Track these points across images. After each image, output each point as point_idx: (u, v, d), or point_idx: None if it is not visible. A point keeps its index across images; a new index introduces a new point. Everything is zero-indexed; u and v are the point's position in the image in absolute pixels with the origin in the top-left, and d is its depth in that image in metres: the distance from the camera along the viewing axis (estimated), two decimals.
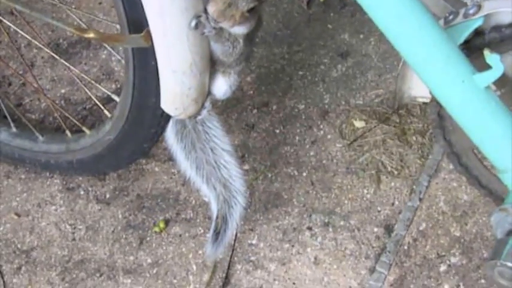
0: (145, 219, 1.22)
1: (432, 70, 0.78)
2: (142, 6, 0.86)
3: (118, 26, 1.29)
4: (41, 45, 1.24)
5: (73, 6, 1.44)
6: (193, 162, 1.06)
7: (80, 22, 1.07)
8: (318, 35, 1.38)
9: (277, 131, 1.29)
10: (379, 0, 0.75)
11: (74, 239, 1.22)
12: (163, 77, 0.92)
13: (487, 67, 0.77)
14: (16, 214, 1.25)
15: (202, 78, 0.94)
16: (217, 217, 1.09)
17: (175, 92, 0.94)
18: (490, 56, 0.76)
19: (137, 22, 0.89)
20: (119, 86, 1.36)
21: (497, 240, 0.82)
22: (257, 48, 1.36)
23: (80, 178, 1.27)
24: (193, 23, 0.87)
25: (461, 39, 0.79)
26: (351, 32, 1.37)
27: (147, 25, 0.87)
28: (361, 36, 1.36)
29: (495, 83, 0.80)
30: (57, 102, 1.33)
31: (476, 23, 0.80)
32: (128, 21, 0.90)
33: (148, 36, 0.87)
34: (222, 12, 0.86)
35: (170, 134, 1.04)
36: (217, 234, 1.09)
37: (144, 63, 0.94)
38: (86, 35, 0.83)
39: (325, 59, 1.35)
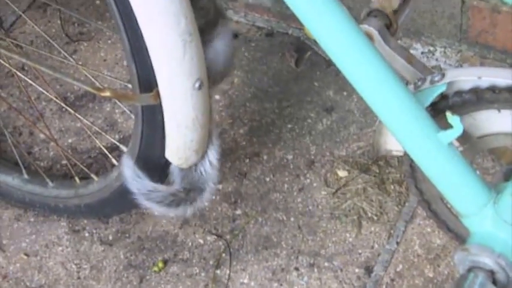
0: (145, 260, 1.27)
1: (403, 128, 0.85)
2: (152, 69, 0.94)
3: (120, 82, 1.39)
4: (53, 98, 1.33)
5: (80, 63, 1.53)
6: None
7: (94, 80, 1.17)
8: (305, 91, 1.43)
9: (268, 179, 1.34)
10: (356, 69, 0.83)
11: (79, 278, 1.27)
12: (169, 130, 1.00)
13: (450, 126, 0.84)
14: (25, 254, 1.30)
15: (203, 132, 1.02)
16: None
17: (178, 143, 1.02)
18: (452, 118, 0.83)
19: (147, 82, 0.97)
20: (122, 136, 1.43)
21: (459, 276, 0.89)
22: (249, 103, 1.43)
23: (85, 221, 1.32)
24: (197, 84, 0.96)
25: (428, 102, 0.87)
26: (335, 89, 1.42)
27: (156, 85, 0.95)
28: (345, 93, 1.42)
29: (458, 139, 0.89)
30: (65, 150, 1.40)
31: (441, 88, 0.87)
32: (139, 82, 0.98)
33: (157, 95, 0.95)
34: None
35: None
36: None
37: (152, 118, 1.02)
38: (103, 94, 0.92)
39: (312, 113, 1.40)
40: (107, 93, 0.92)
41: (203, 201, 1.11)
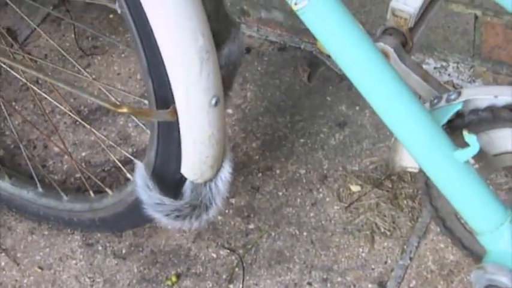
0: (158, 273, 1.28)
1: (418, 146, 0.85)
2: (169, 86, 0.95)
3: (134, 96, 1.40)
4: (67, 111, 1.34)
5: (93, 76, 1.55)
6: None
7: (109, 95, 1.17)
8: (317, 106, 1.43)
9: (280, 193, 1.34)
10: (372, 87, 0.84)
11: None
12: (185, 146, 1.00)
13: (466, 144, 0.85)
14: (39, 267, 1.31)
15: (218, 148, 1.03)
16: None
17: (194, 159, 1.02)
18: (468, 136, 0.84)
19: (164, 99, 0.98)
20: (135, 149, 1.43)
21: None
22: (262, 117, 1.44)
23: (99, 235, 1.32)
24: (213, 101, 0.97)
25: (444, 120, 0.87)
26: (348, 104, 1.43)
27: (173, 102, 0.96)
28: (357, 108, 1.42)
29: (474, 157, 0.89)
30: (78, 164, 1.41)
31: (457, 107, 0.87)
32: (156, 98, 0.98)
33: (174, 112, 0.96)
34: None
35: None
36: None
37: (168, 134, 1.03)
38: (120, 110, 0.93)
39: (324, 128, 1.41)
40: (124, 110, 0.93)
41: (210, 216, 1.13)
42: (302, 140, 1.40)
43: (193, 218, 1.12)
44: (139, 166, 1.09)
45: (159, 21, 0.91)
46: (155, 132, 1.05)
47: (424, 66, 1.41)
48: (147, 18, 0.92)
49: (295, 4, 0.80)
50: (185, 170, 1.05)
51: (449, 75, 1.41)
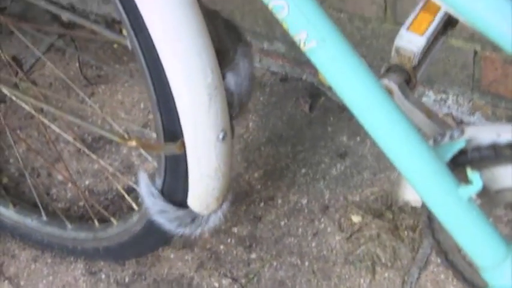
0: None
1: (422, 182, 0.86)
2: (177, 119, 0.97)
3: (136, 126, 1.41)
4: (71, 140, 1.35)
5: (97, 105, 1.56)
6: None
7: (114, 124, 1.19)
8: (319, 136, 1.45)
9: (282, 223, 1.36)
10: (377, 123, 0.85)
11: None
12: (192, 179, 1.02)
13: (469, 181, 0.86)
14: None
15: (224, 180, 1.05)
16: None
17: (200, 191, 1.04)
18: (471, 174, 0.85)
19: (172, 132, 0.99)
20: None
21: None
22: (264, 147, 1.45)
23: (102, 263, 1.33)
24: (221, 135, 0.99)
25: (448, 157, 0.88)
26: (349, 135, 1.45)
27: (181, 135, 0.98)
28: (358, 138, 1.44)
29: (476, 193, 0.91)
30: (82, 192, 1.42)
31: (460, 144, 0.88)
32: (164, 132, 1.00)
33: (182, 145, 0.98)
34: None
35: None
36: None
37: (175, 166, 1.04)
38: (129, 143, 0.94)
39: (326, 158, 1.43)
40: (133, 143, 0.94)
41: (210, 226, 1.14)
42: (303, 170, 1.41)
43: (192, 227, 1.12)
44: (143, 176, 1.09)
45: (169, 58, 0.93)
46: (162, 164, 1.06)
47: (424, 99, 1.43)
48: (157, 54, 0.94)
49: (304, 45, 0.82)
50: (191, 201, 1.06)
51: (448, 107, 1.43)
